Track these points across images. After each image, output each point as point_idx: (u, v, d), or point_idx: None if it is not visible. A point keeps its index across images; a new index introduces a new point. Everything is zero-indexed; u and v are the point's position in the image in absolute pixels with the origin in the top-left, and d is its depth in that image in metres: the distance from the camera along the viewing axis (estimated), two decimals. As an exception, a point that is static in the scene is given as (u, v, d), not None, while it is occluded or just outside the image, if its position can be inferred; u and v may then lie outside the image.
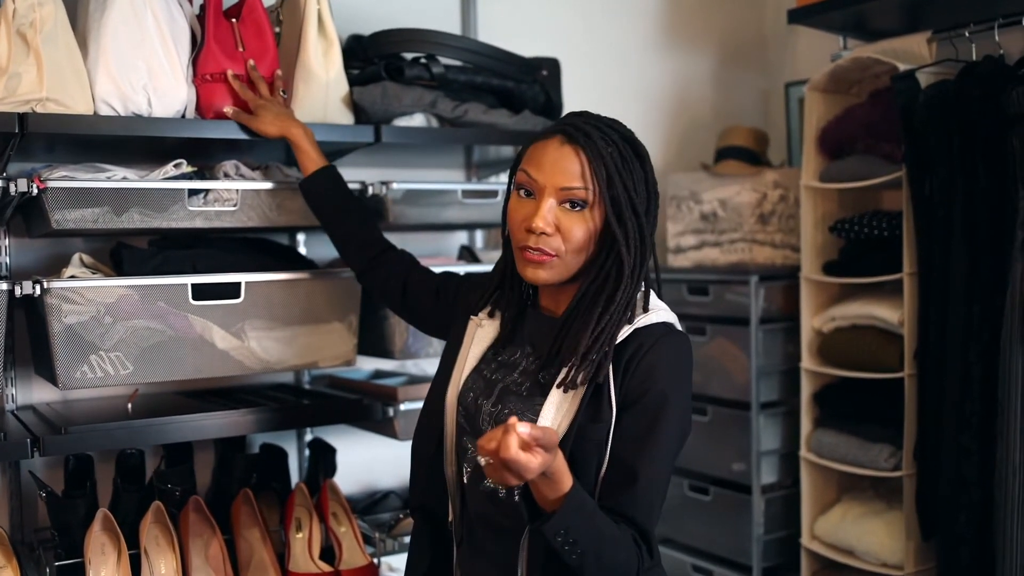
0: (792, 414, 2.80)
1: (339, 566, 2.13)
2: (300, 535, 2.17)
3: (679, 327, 1.53)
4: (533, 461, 1.24)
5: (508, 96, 2.32)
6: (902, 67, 2.40)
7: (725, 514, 2.86)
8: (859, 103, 2.66)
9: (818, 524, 2.68)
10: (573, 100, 2.65)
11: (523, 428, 1.23)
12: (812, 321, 2.68)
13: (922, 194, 2.34)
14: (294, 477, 2.47)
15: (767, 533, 2.80)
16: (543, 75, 2.38)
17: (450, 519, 1.61)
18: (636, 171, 1.49)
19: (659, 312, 1.51)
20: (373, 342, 2.28)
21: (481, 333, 1.62)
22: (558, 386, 1.45)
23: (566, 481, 1.33)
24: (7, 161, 2.02)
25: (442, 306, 1.79)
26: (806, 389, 2.70)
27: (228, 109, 1.97)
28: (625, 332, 1.47)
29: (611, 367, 1.45)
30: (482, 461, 1.27)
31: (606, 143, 1.46)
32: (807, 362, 2.68)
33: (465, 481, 1.56)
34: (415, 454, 1.66)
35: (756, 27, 3.39)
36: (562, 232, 1.46)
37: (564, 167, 1.46)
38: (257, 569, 2.08)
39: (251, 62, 2.01)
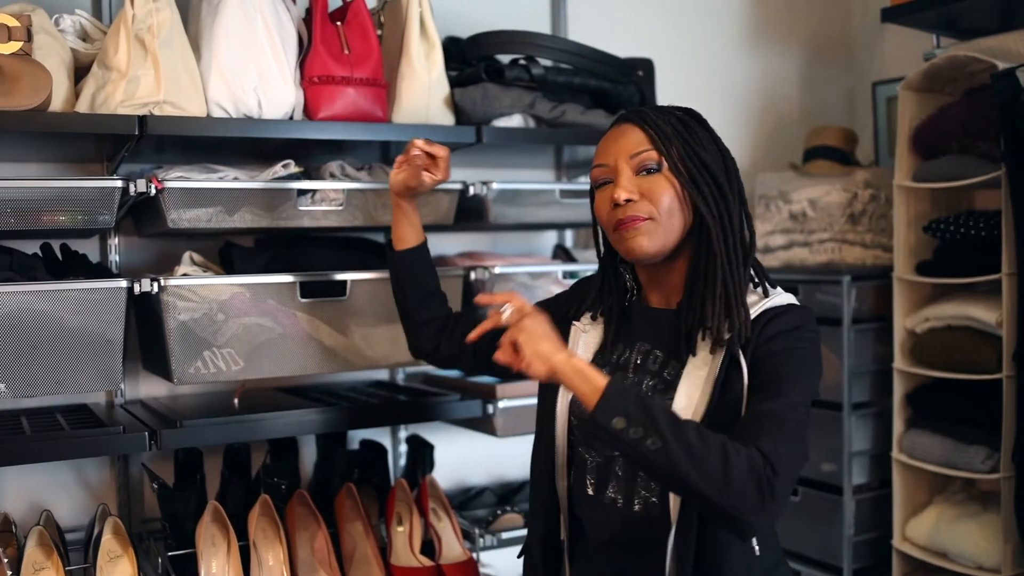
0: (883, 415, 2.78)
1: (439, 560, 2.16)
2: (401, 529, 2.20)
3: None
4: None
5: (604, 97, 2.33)
6: (1001, 65, 2.37)
7: (815, 515, 2.84)
8: (954, 102, 2.63)
9: (910, 526, 2.65)
10: (660, 100, 2.66)
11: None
12: (905, 321, 2.65)
13: (1022, 193, 2.31)
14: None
15: (858, 534, 2.78)
16: (639, 75, 2.38)
17: (562, 536, 1.58)
18: (699, 131, 1.52)
19: (784, 296, 1.53)
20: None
21: (586, 338, 1.60)
22: (709, 350, 1.45)
23: (599, 376, 1.35)
24: (119, 162, 2.07)
25: None
26: (899, 390, 2.67)
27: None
28: (758, 309, 1.47)
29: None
30: (507, 314, 1.45)
31: (662, 115, 1.52)
32: (900, 363, 2.65)
33: (591, 493, 1.52)
34: (533, 473, 1.63)
35: (843, 25, 3.37)
36: (647, 196, 1.48)
37: (628, 139, 1.51)
38: (361, 562, 2.12)
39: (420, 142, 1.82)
